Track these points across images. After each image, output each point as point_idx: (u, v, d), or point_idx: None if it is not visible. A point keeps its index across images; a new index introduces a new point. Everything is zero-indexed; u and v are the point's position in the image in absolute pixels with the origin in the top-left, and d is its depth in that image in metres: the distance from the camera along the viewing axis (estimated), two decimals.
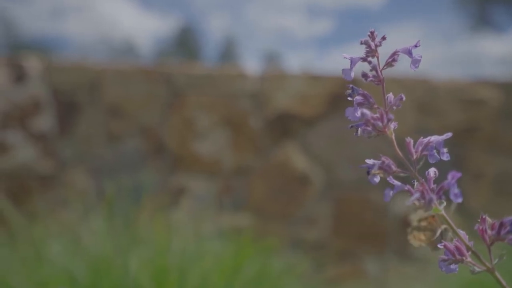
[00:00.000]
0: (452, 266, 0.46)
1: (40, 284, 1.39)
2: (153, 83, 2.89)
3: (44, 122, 2.85)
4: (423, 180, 0.47)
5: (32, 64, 2.88)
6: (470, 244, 0.47)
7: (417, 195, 0.45)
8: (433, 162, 0.47)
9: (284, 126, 2.88)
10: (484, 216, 0.46)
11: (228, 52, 21.50)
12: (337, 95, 2.85)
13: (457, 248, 0.47)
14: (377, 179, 0.47)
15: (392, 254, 2.81)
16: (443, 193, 0.46)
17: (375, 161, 0.47)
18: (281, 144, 2.88)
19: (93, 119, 2.87)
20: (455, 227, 0.46)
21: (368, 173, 0.47)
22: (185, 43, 21.50)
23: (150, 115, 2.89)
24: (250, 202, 2.84)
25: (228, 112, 2.88)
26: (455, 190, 0.45)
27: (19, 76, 2.85)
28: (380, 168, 0.47)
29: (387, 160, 0.47)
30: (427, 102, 2.86)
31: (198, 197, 2.83)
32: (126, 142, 2.87)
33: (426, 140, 0.48)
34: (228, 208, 2.74)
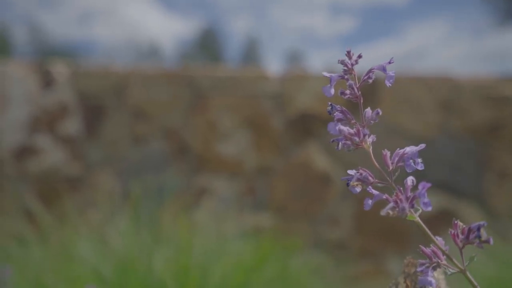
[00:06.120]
0: (429, 279, 0.49)
1: (70, 281, 1.45)
2: (176, 85, 2.94)
3: (72, 126, 2.94)
4: (401, 189, 0.49)
5: (60, 70, 2.97)
6: (446, 249, 0.50)
7: (391, 205, 0.48)
8: (410, 171, 0.50)
9: (306, 126, 2.89)
10: (456, 222, 0.49)
11: (251, 53, 21.56)
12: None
13: (434, 253, 0.50)
14: (358, 189, 0.50)
15: (414, 253, 2.79)
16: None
17: (354, 173, 0.50)
18: (302, 144, 2.89)
19: (119, 122, 2.95)
20: (430, 233, 0.49)
21: (347, 184, 0.49)
22: (208, 44, 21.65)
23: (174, 117, 2.94)
24: (272, 202, 2.87)
25: (250, 113, 2.91)
26: (425, 199, 0.48)
27: (48, 81, 2.95)
28: (358, 179, 0.50)
29: (365, 172, 0.50)
30: (451, 100, 2.83)
31: (221, 198, 2.87)
32: (151, 144, 2.93)
33: (401, 151, 0.51)
34: (250, 208, 2.77)
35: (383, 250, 2.80)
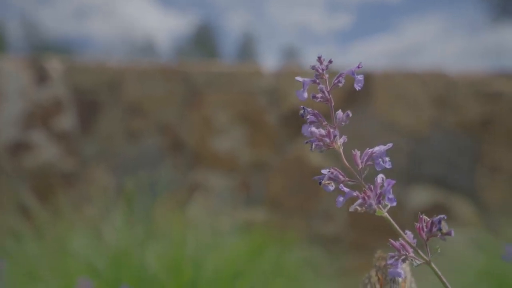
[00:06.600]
0: (398, 270, 0.51)
1: (65, 275, 1.46)
2: (171, 81, 2.95)
3: (66, 121, 2.94)
4: (371, 186, 0.52)
5: (54, 65, 2.97)
6: (413, 242, 0.53)
7: (359, 201, 0.51)
8: (380, 169, 0.53)
9: (300, 122, 2.90)
10: (421, 216, 0.51)
11: (247, 49, 21.51)
12: (353, 90, 2.86)
13: (402, 246, 0.53)
14: (331, 187, 0.52)
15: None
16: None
17: (326, 172, 0.52)
18: (297, 140, 2.91)
19: (114, 118, 2.95)
20: (398, 228, 0.51)
21: (320, 183, 0.51)
22: (204, 41, 21.59)
23: (169, 113, 2.95)
24: (267, 197, 2.89)
25: (245, 109, 2.92)
26: (390, 195, 0.51)
27: (42, 77, 2.95)
28: (329, 178, 0.52)
29: (335, 171, 0.52)
30: (445, 96, 2.84)
31: (217, 193, 2.88)
32: (146, 140, 2.94)
33: (370, 151, 0.53)
34: (245, 203, 2.78)
35: (376, 244, 2.82)
